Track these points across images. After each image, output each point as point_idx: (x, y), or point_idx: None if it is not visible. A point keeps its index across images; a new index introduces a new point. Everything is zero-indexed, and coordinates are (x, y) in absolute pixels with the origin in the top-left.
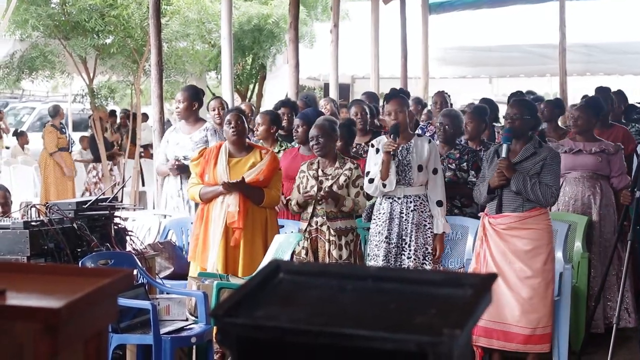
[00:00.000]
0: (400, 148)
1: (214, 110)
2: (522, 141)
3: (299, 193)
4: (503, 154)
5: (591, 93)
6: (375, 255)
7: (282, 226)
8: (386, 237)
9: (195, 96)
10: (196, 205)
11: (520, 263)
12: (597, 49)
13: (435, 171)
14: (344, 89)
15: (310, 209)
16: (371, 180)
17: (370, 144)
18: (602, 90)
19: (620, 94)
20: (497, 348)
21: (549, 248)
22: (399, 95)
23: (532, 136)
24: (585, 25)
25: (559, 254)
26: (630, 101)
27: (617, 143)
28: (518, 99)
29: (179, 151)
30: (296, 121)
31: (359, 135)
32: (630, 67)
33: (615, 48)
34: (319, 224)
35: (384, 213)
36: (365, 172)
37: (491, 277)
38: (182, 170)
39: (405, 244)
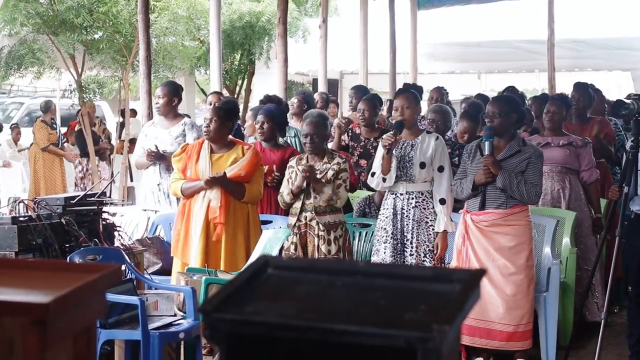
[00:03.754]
0: (404, 144)
1: (210, 104)
2: (506, 138)
3: (288, 187)
4: (486, 151)
5: None
6: (377, 251)
7: (271, 221)
8: (391, 233)
9: (175, 92)
10: (177, 199)
11: (504, 260)
12: (586, 44)
13: (441, 169)
14: (333, 85)
15: (299, 204)
16: (373, 174)
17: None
18: (581, 86)
19: (597, 90)
20: (479, 346)
21: (530, 244)
22: (408, 91)
23: (516, 133)
24: (574, 21)
25: (547, 250)
26: (619, 97)
27: (585, 137)
28: (498, 97)
29: (158, 145)
30: (260, 117)
31: (367, 130)
32: (619, 62)
33: (604, 44)
34: (308, 218)
35: (387, 209)
36: (373, 166)
37: (480, 273)
38: (158, 157)
39: (407, 240)
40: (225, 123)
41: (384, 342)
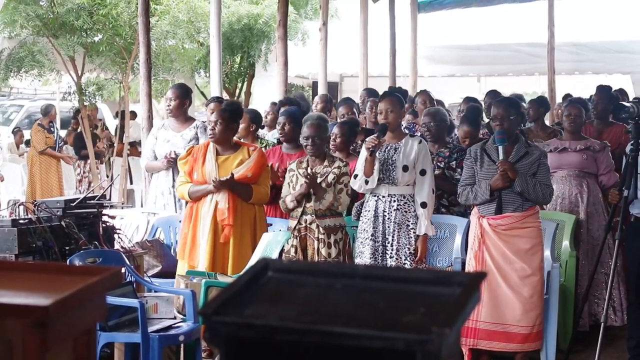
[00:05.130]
0: (387, 147)
1: (209, 111)
2: (512, 140)
3: (289, 191)
4: (501, 156)
5: (579, 91)
6: (361, 253)
7: (271, 224)
8: (372, 235)
9: (185, 94)
10: (186, 203)
11: (521, 262)
12: (586, 47)
13: (423, 172)
14: (333, 88)
15: (300, 207)
16: (356, 176)
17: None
18: (602, 89)
19: (622, 92)
20: (497, 350)
21: (542, 246)
22: (392, 95)
23: (519, 135)
24: (574, 24)
25: (547, 253)
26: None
27: (604, 141)
28: (501, 99)
29: (170, 149)
30: (281, 119)
31: None
32: (618, 65)
33: (604, 47)
34: (308, 222)
35: (369, 211)
36: (356, 169)
37: (480, 276)
38: (175, 163)
39: (388, 243)
40: (230, 125)
41: (383, 345)
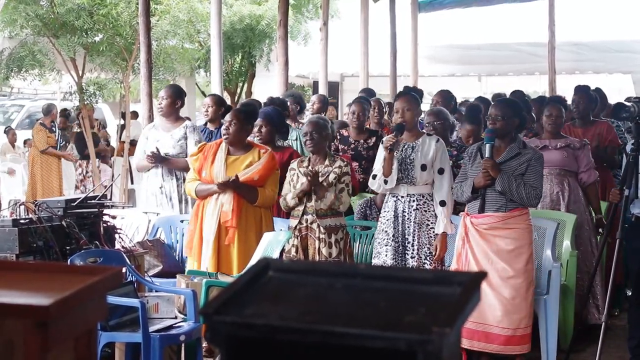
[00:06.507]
0: (404, 146)
1: (204, 106)
2: (507, 141)
3: (290, 189)
4: (487, 154)
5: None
6: (378, 253)
7: None
8: (392, 236)
9: (178, 94)
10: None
11: (503, 263)
12: (586, 47)
13: (441, 171)
14: (333, 87)
15: (301, 207)
16: (374, 177)
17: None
18: (581, 89)
19: (599, 91)
20: (477, 349)
21: (530, 248)
22: (409, 94)
23: (517, 136)
24: (574, 24)
25: (547, 252)
26: (619, 99)
27: (583, 139)
28: (501, 99)
29: (159, 148)
30: (258, 120)
31: (355, 133)
32: (619, 65)
33: (604, 46)
34: (309, 221)
35: (388, 211)
36: (374, 169)
37: (480, 276)
38: (159, 160)
39: (408, 242)
40: (245, 126)
41: (385, 345)
